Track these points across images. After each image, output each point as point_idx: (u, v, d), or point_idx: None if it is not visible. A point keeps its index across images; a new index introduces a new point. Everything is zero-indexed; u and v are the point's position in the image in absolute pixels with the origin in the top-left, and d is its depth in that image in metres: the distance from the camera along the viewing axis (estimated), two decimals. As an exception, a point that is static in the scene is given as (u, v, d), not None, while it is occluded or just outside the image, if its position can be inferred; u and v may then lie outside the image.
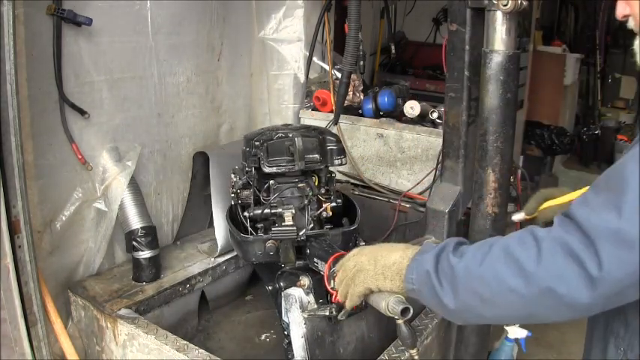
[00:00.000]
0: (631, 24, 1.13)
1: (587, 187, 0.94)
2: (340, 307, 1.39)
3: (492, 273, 0.95)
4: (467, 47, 1.80)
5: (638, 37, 1.11)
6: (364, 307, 1.34)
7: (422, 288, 1.06)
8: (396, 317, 1.14)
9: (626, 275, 0.82)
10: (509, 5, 1.57)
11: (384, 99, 2.81)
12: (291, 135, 1.79)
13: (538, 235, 0.93)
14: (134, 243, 2.05)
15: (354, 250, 1.21)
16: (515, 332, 2.17)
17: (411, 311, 1.13)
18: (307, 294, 1.57)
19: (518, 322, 0.99)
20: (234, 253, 2.27)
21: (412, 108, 2.66)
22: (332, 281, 1.23)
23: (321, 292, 1.55)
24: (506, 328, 2.21)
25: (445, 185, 1.98)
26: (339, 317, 1.42)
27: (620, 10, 1.12)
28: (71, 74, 1.91)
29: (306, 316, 1.52)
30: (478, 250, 1.01)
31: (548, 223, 1.41)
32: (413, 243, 1.29)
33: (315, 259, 1.55)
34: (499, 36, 1.64)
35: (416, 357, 1.24)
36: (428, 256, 1.06)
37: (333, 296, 1.23)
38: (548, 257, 0.88)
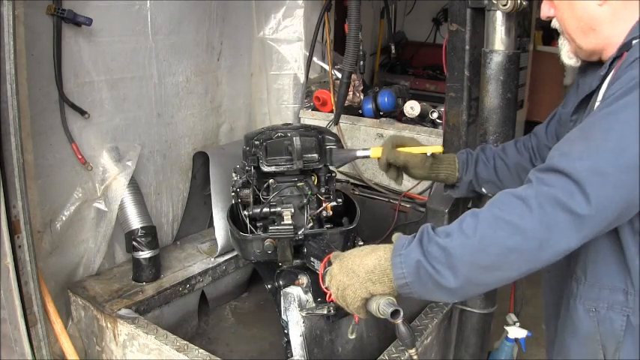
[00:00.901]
0: (555, 24, 1.26)
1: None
2: (338, 306, 1.40)
3: (489, 240, 1.00)
4: (467, 47, 1.80)
5: (562, 36, 1.25)
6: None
7: (415, 279, 1.06)
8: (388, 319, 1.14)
9: (611, 208, 0.96)
10: (508, 5, 1.57)
11: (384, 99, 2.81)
12: (290, 134, 1.79)
13: (521, 194, 1.00)
14: (134, 243, 2.05)
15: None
16: (515, 332, 2.17)
17: (401, 313, 1.13)
18: (306, 293, 1.57)
19: (518, 278, 1.04)
20: (234, 253, 2.27)
21: (412, 108, 2.66)
22: (326, 280, 1.23)
23: (319, 290, 1.54)
24: (507, 328, 2.21)
25: (445, 185, 1.98)
26: (350, 337, 1.43)
27: (545, 12, 1.27)
28: (71, 74, 1.91)
29: (304, 314, 1.52)
30: (464, 226, 1.04)
31: (399, 168, 1.61)
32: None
33: (312, 259, 1.55)
34: (499, 36, 1.64)
35: (415, 357, 1.23)
36: (412, 248, 1.07)
37: (328, 295, 1.24)
38: (538, 210, 0.96)
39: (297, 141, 1.73)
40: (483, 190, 1.63)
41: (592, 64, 1.27)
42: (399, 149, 1.59)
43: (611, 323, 1.16)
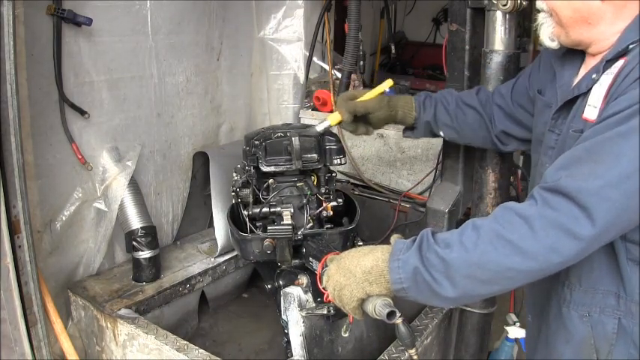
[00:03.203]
0: (541, 5, 1.21)
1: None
2: (337, 307, 1.41)
3: (489, 257, 1.00)
4: (467, 47, 1.80)
5: (546, 16, 1.20)
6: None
7: (412, 285, 1.07)
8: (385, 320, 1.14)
9: (613, 230, 0.98)
10: (508, 5, 1.57)
11: (384, 99, 2.81)
12: (289, 134, 1.79)
13: (524, 213, 1.00)
14: (134, 243, 2.05)
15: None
16: (516, 332, 2.17)
17: (397, 314, 1.13)
18: (306, 293, 1.57)
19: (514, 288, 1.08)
20: (234, 253, 2.27)
21: (412, 108, 2.65)
22: (324, 281, 1.23)
23: (319, 290, 1.55)
24: (507, 328, 2.21)
25: (445, 185, 1.98)
26: (343, 335, 1.45)
27: None
28: (71, 74, 1.91)
29: (304, 314, 1.52)
30: (464, 238, 1.04)
31: (363, 121, 1.62)
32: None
33: (311, 259, 1.55)
34: (499, 36, 1.64)
35: (415, 357, 1.24)
36: (411, 254, 1.07)
37: (325, 296, 1.24)
38: (542, 234, 0.96)
39: (296, 141, 1.73)
40: (441, 133, 1.65)
41: (571, 52, 1.23)
42: (355, 101, 1.63)
43: (604, 327, 1.17)
